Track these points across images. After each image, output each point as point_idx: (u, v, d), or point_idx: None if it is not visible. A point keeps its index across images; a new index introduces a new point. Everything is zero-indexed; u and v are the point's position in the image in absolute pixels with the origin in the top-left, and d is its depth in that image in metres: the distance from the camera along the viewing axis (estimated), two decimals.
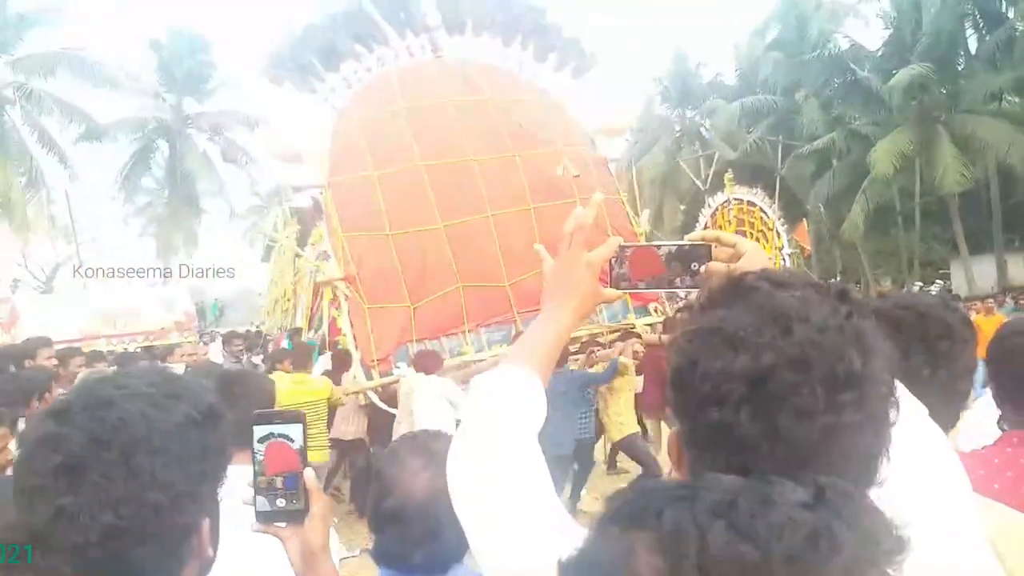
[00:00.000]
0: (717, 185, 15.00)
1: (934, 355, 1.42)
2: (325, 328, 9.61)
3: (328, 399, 6.93)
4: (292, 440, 1.22)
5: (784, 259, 14.72)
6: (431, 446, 1.59)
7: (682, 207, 30.22)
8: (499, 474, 1.02)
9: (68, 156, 26.87)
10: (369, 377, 7.62)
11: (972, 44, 26.71)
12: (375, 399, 7.45)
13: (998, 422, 1.81)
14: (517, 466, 1.02)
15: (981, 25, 26.15)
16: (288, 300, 12.65)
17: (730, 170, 15.20)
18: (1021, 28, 22.87)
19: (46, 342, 6.23)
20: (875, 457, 0.82)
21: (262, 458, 1.22)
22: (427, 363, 7.01)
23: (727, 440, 0.78)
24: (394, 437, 5.88)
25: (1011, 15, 24.47)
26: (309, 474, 1.23)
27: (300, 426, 1.23)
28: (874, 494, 0.81)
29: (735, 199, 14.71)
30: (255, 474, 1.22)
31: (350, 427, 7.51)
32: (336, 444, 7.42)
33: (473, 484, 1.04)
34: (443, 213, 8.56)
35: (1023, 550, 1.35)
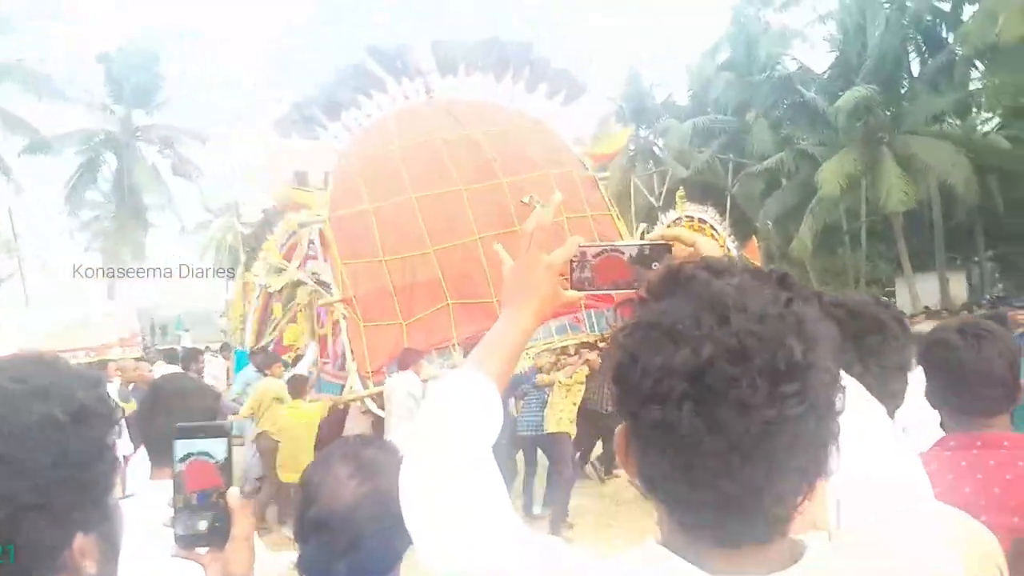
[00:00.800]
0: (670, 202, 15.17)
1: (864, 351, 1.41)
2: (268, 342, 9.85)
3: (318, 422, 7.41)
4: (213, 456, 1.14)
5: None
6: (361, 453, 1.53)
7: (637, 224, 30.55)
8: (451, 479, 0.97)
9: (11, 169, 26.13)
10: (365, 387, 8.44)
11: (915, 67, 27.63)
12: (371, 405, 8.18)
13: (941, 423, 1.82)
14: (470, 472, 0.99)
15: (923, 49, 27.08)
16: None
17: (682, 188, 15.38)
18: (960, 52, 23.68)
19: None
20: (822, 447, 0.80)
21: (182, 476, 1.13)
22: (405, 359, 7.56)
23: (671, 436, 0.77)
24: (387, 437, 6.45)
25: (951, 40, 25.37)
26: (232, 493, 1.14)
27: (224, 440, 1.15)
28: (825, 484, 0.83)
29: (687, 216, 14.86)
30: (174, 493, 1.13)
31: (356, 430, 7.73)
32: None
33: (425, 489, 0.99)
34: (433, 238, 9.52)
35: (974, 553, 1.35)
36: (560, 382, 7.87)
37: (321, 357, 9.55)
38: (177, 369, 8.32)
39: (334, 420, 8.05)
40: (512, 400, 8.24)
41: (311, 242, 9.75)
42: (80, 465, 0.90)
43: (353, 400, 8.44)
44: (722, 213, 15.52)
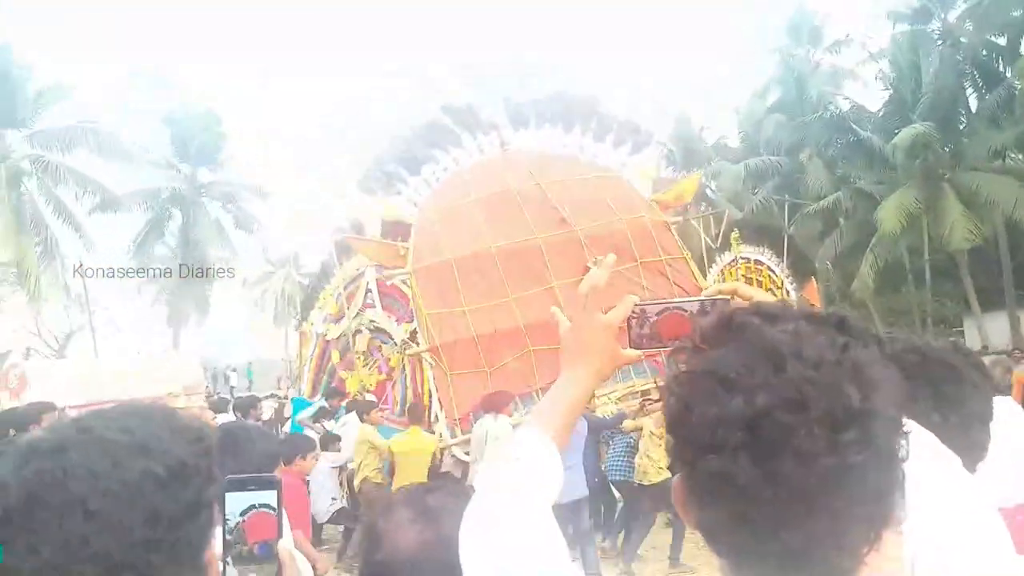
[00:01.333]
0: (725, 244, 15.04)
1: (941, 399, 1.35)
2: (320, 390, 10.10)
3: (433, 453, 7.66)
4: (271, 507, 1.16)
5: None
6: (425, 498, 1.54)
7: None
8: (510, 534, 0.98)
9: (83, 226, 27.29)
10: (453, 435, 8.67)
11: (973, 103, 27.10)
12: (459, 452, 8.38)
13: None
14: (528, 528, 1.00)
15: (980, 84, 26.56)
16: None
17: (736, 229, 15.25)
18: (1020, 86, 23.19)
19: (50, 407, 6.15)
20: (887, 496, 0.77)
21: (242, 527, 1.14)
22: (495, 401, 7.57)
23: (729, 487, 0.75)
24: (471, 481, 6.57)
25: (1009, 74, 24.86)
26: (284, 544, 1.15)
27: (276, 491, 1.17)
28: (895, 536, 0.80)
29: (742, 258, 14.73)
30: (232, 545, 1.13)
31: None
32: None
33: (482, 544, 1.00)
34: (512, 287, 9.83)
35: None
36: (652, 431, 7.67)
37: (381, 402, 9.65)
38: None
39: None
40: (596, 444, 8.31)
41: (368, 291, 9.93)
42: (174, 525, 0.88)
43: (445, 448, 8.61)
44: (779, 254, 15.32)
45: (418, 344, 9.11)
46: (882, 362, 0.79)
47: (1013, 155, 27.17)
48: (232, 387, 27.05)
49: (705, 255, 14.42)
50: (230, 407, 10.30)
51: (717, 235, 15.30)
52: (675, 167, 34.64)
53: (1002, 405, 4.81)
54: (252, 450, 2.37)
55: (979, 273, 26.63)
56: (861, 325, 0.84)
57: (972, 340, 27.27)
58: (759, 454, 0.73)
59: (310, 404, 9.92)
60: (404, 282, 9.85)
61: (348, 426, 8.22)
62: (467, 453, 8.15)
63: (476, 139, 11.38)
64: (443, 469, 8.52)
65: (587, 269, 10.18)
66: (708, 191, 33.83)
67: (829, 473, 0.72)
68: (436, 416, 8.89)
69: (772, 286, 14.93)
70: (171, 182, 33.64)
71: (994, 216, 24.65)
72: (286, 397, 16.81)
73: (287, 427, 11.06)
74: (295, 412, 10.30)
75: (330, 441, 8.22)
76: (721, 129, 37.34)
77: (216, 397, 18.89)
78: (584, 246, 10.40)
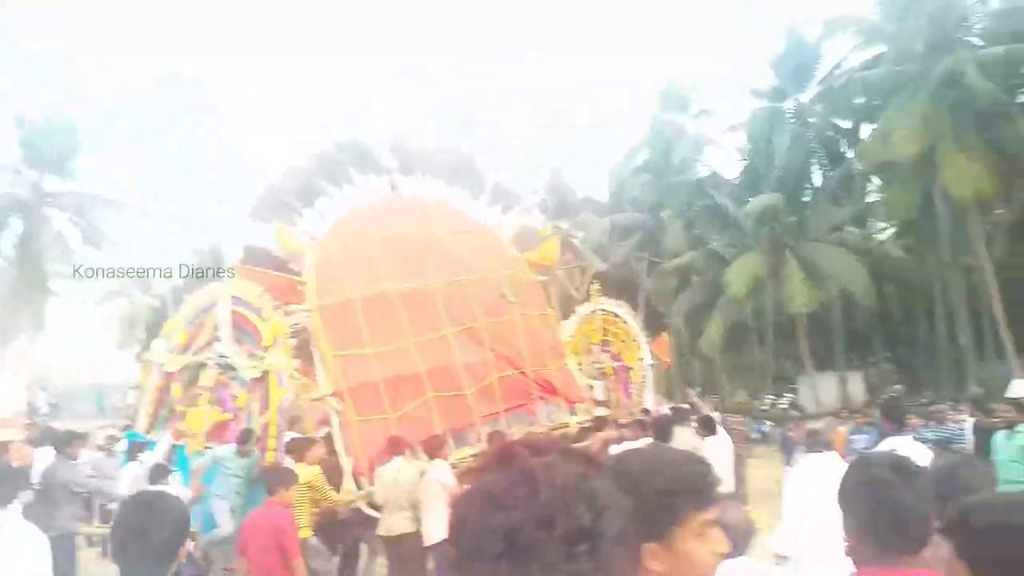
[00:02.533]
0: (588, 295, 15.56)
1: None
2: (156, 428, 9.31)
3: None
4: None
5: (645, 369, 15.30)
6: None
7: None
8: None
9: None
10: (358, 484, 8.16)
11: (818, 179, 29.53)
12: (363, 507, 7.94)
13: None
14: None
15: (825, 162, 29.03)
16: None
17: (596, 281, 15.82)
18: (859, 167, 25.48)
19: None
20: None
21: None
22: (431, 445, 7.78)
23: None
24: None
25: (850, 155, 27.30)
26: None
27: None
28: None
29: (601, 309, 15.24)
30: None
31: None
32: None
33: None
34: (413, 331, 9.58)
35: None
36: None
37: (224, 442, 9.19)
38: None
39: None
40: None
41: (220, 323, 9.48)
42: None
43: (351, 502, 8.09)
44: (635, 308, 16.01)
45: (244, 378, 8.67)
46: (614, 491, 0.98)
47: (850, 230, 29.74)
48: (44, 414, 24.17)
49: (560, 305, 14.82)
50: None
51: (580, 286, 15.86)
52: (547, 216, 35.62)
53: (816, 460, 5.13)
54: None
55: (815, 336, 28.78)
56: (601, 459, 1.06)
57: (806, 397, 29.33)
58: (515, 562, 0.88)
59: (143, 438, 9.32)
60: (261, 317, 9.45)
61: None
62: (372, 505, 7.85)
63: (367, 178, 11.21)
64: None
65: (489, 299, 10.31)
66: (575, 242, 34.97)
67: None
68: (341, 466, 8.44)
69: (627, 338, 15.52)
70: (11, 187, 31.08)
71: (830, 285, 26.81)
72: (124, 429, 15.72)
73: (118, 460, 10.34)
74: (130, 448, 9.65)
75: (160, 475, 7.73)
76: (592, 185, 38.76)
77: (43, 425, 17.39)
78: (471, 296, 10.38)
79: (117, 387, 29.63)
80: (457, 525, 0.96)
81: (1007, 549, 1.37)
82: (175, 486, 7.53)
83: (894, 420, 5.32)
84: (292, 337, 9.15)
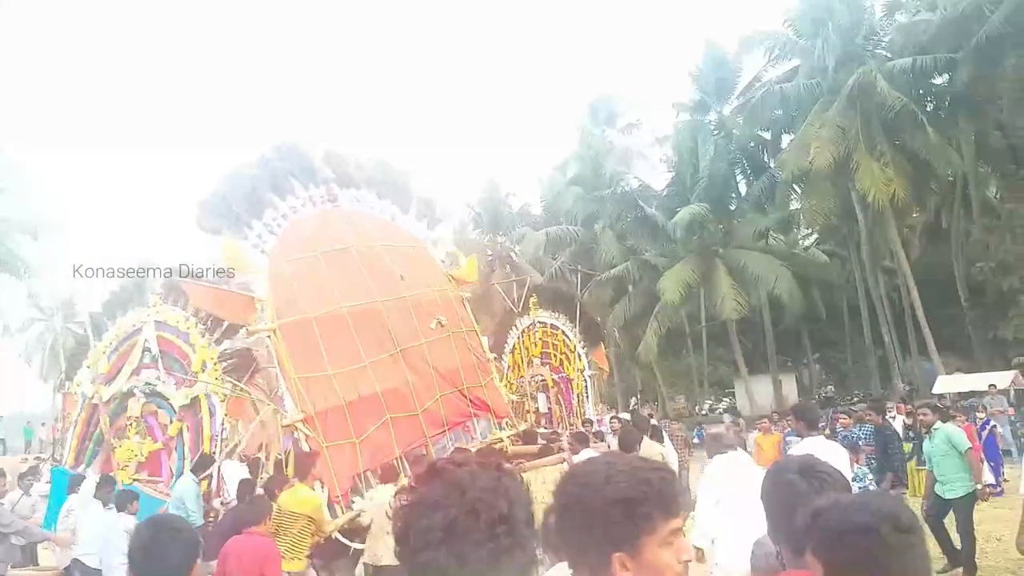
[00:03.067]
0: (525, 308, 15.57)
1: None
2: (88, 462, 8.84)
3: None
4: None
5: (586, 380, 15.44)
6: None
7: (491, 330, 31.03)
8: None
9: None
10: (332, 512, 7.61)
11: (742, 188, 30.37)
12: (338, 535, 7.44)
13: (778, 554, 1.82)
14: None
15: (749, 172, 29.90)
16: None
17: (534, 295, 15.85)
18: (781, 177, 26.30)
19: None
20: (530, 564, 1.25)
21: None
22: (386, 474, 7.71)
23: (433, 570, 1.18)
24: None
25: (772, 165, 28.17)
26: None
27: None
28: None
29: (539, 322, 15.33)
30: None
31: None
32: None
33: None
34: (366, 351, 9.16)
35: None
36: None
37: (152, 474, 8.85)
38: None
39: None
40: None
41: (146, 349, 9.15)
42: None
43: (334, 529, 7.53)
44: (572, 320, 16.10)
45: (283, 411, 7.98)
46: (522, 488, 1.29)
47: (775, 236, 30.66)
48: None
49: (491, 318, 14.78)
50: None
51: (518, 299, 15.85)
52: (482, 229, 35.72)
53: (721, 460, 5.40)
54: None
55: (747, 341, 29.54)
56: (509, 468, 1.33)
57: (741, 401, 30.03)
58: (452, 546, 1.17)
59: (71, 473, 8.92)
60: (188, 343, 9.11)
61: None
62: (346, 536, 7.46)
63: (308, 189, 10.65)
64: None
65: (422, 322, 10.01)
66: (512, 255, 35.13)
67: (492, 552, 1.18)
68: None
69: (567, 350, 15.63)
70: None
71: (758, 290, 27.57)
72: (37, 460, 15.00)
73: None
74: (56, 483, 9.21)
75: (127, 500, 7.29)
76: (525, 197, 39.01)
77: None
78: (412, 312, 10.10)
79: (46, 418, 28.31)
80: (403, 529, 1.23)
81: (852, 546, 1.44)
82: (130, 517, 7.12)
83: (806, 421, 5.46)
84: (229, 359, 8.81)
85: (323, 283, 9.39)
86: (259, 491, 6.80)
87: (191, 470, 7.92)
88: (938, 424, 7.72)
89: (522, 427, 11.10)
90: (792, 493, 1.75)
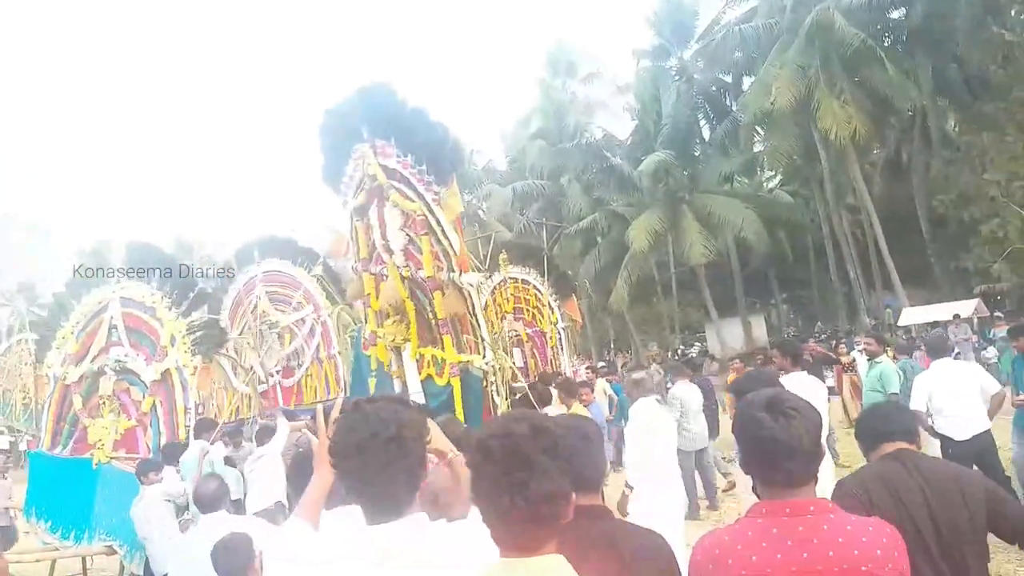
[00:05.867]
0: (495, 266, 15.49)
1: (512, 483, 1.44)
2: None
3: None
4: None
5: (559, 333, 15.47)
6: None
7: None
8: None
9: None
10: None
11: (706, 133, 30.34)
12: None
13: (754, 488, 1.86)
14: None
15: (712, 116, 29.85)
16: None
17: (504, 251, 15.77)
18: (743, 119, 26.28)
19: None
20: (414, 469, 1.70)
21: None
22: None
23: (350, 471, 1.68)
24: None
25: (734, 108, 28.14)
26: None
27: None
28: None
29: (510, 278, 15.26)
30: None
31: None
32: None
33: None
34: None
35: None
36: None
37: (129, 452, 8.74)
38: None
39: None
40: None
41: (113, 327, 8.96)
42: None
43: None
44: (542, 274, 16.07)
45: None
46: (411, 411, 1.78)
47: (740, 179, 30.78)
48: None
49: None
50: None
51: (486, 256, 15.78)
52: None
53: (642, 404, 5.63)
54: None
55: (716, 284, 29.82)
56: (410, 402, 1.90)
57: (712, 344, 30.44)
58: (361, 455, 1.66)
59: (52, 457, 8.77)
60: (156, 317, 8.93)
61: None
62: None
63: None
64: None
65: None
66: (480, 212, 34.90)
67: (387, 462, 1.68)
68: None
69: (539, 304, 15.62)
70: None
71: (725, 234, 27.74)
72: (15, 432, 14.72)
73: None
74: (33, 467, 9.06)
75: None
76: (489, 153, 38.60)
77: None
78: None
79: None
80: (331, 445, 1.72)
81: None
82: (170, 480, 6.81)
83: (789, 356, 5.52)
84: (199, 331, 8.70)
85: None
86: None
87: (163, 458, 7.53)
88: (882, 358, 7.57)
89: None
90: (758, 428, 1.77)
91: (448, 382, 8.20)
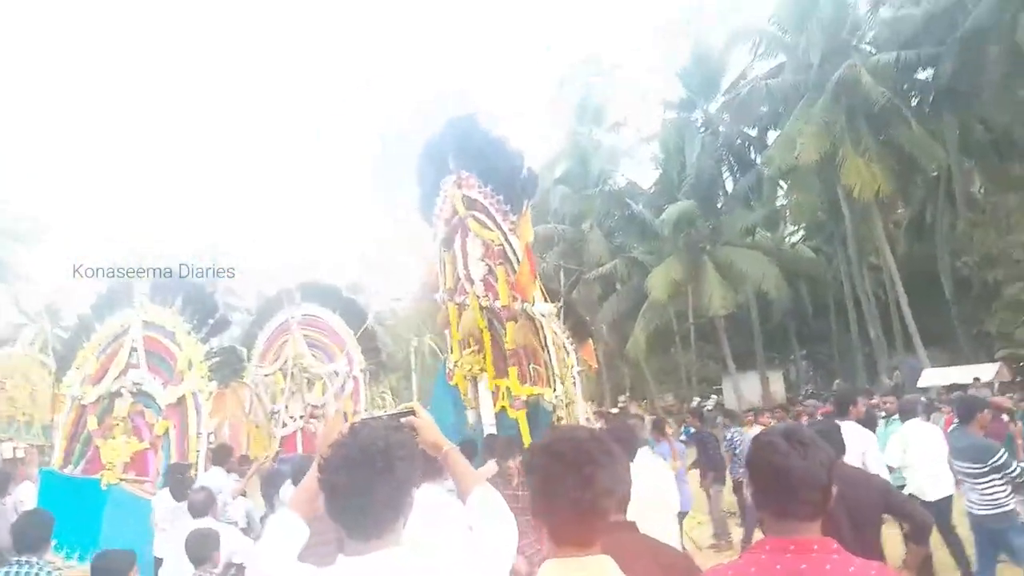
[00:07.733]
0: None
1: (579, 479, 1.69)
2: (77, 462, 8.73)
3: None
4: None
5: (574, 377, 15.37)
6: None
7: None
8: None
9: None
10: None
11: (729, 185, 30.43)
12: None
13: (760, 521, 1.85)
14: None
15: (735, 168, 29.97)
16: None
17: None
18: (767, 172, 26.37)
19: None
20: (402, 485, 1.69)
21: None
22: None
23: (336, 487, 1.67)
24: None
25: (758, 161, 28.26)
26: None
27: None
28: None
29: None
30: None
31: None
32: None
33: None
34: None
35: None
36: None
37: (139, 474, 8.76)
38: None
39: None
40: None
41: (133, 349, 9.07)
42: None
43: None
44: (560, 317, 16.04)
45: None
46: (407, 437, 1.81)
47: (762, 232, 30.76)
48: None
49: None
50: None
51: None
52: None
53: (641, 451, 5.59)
54: None
55: (735, 337, 29.59)
56: (399, 424, 1.96)
57: (729, 397, 30.08)
58: (348, 471, 1.66)
59: (62, 476, 8.80)
60: (175, 341, 9.02)
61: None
62: None
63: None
64: None
65: None
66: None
67: (370, 474, 1.66)
68: None
69: (557, 345, 15.56)
70: None
71: (746, 286, 27.63)
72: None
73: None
74: (44, 485, 9.10)
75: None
76: None
77: None
78: None
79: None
80: (320, 463, 1.72)
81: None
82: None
83: (837, 406, 5.67)
84: (215, 357, 8.78)
85: None
86: None
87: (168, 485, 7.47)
88: (895, 418, 7.61)
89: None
90: (772, 452, 1.76)
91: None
